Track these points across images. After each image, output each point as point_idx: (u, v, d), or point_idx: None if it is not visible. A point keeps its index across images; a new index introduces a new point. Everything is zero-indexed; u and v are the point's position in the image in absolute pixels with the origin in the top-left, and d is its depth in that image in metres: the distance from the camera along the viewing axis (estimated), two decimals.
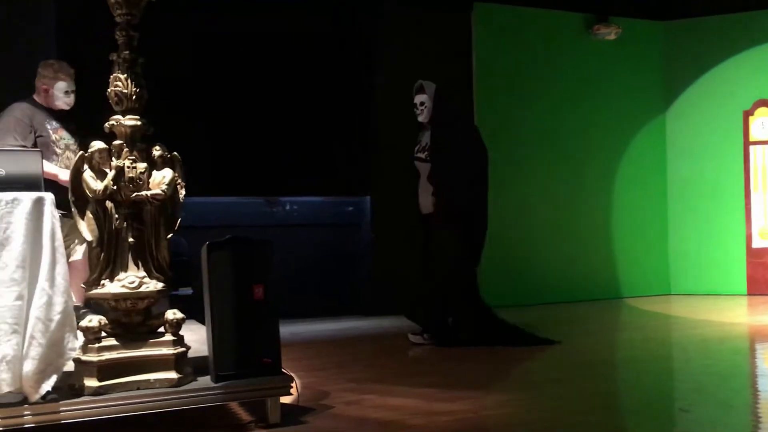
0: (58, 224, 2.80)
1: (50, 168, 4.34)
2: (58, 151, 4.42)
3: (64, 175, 4.36)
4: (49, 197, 2.79)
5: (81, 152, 3.03)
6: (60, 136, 4.47)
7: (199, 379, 3.07)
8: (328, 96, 6.91)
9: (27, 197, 2.74)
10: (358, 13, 7.13)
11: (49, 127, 4.42)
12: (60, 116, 4.56)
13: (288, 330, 4.73)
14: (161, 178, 3.11)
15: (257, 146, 6.50)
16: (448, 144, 5.18)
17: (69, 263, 4.49)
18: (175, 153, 3.18)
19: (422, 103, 5.27)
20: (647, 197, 8.04)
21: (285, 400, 3.19)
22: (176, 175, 3.15)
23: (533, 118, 7.59)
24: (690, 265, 8.00)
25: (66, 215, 4.47)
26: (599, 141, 7.86)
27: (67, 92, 4.50)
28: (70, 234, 4.47)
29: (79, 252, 4.44)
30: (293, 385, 3.18)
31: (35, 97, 4.48)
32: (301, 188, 6.89)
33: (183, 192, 3.19)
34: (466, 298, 5.10)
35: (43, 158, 3.88)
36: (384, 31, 7.13)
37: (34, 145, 4.32)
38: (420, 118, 5.31)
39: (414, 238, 7.00)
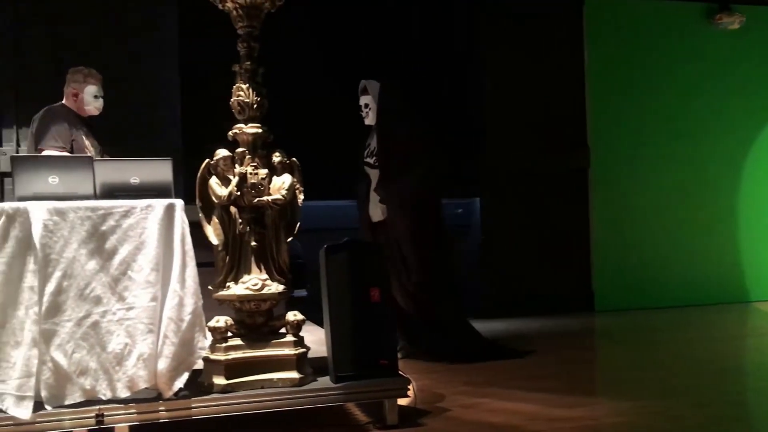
0: (187, 229, 2.94)
1: None
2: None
3: None
4: (179, 203, 2.94)
5: (207, 160, 3.17)
6: (90, 142, 4.64)
7: (318, 379, 3.15)
8: (436, 97, 6.91)
9: (159, 204, 2.90)
10: (463, 10, 7.07)
11: (81, 132, 4.61)
12: (89, 123, 4.68)
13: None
14: (281, 183, 3.21)
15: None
16: (393, 150, 4.67)
17: None
18: (294, 158, 3.27)
19: (366, 105, 4.78)
20: None
21: (402, 402, 3.21)
22: (295, 180, 3.24)
23: (650, 114, 7.28)
24: None
25: None
26: (722, 136, 7.44)
27: (96, 96, 4.59)
28: None
29: None
30: (410, 387, 3.20)
31: (65, 102, 4.62)
32: None
33: (302, 196, 3.28)
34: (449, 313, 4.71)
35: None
36: (491, 30, 7.05)
37: (71, 149, 4.45)
38: (366, 121, 4.84)
39: (525, 240, 6.95)
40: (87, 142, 4.53)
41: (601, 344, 5.79)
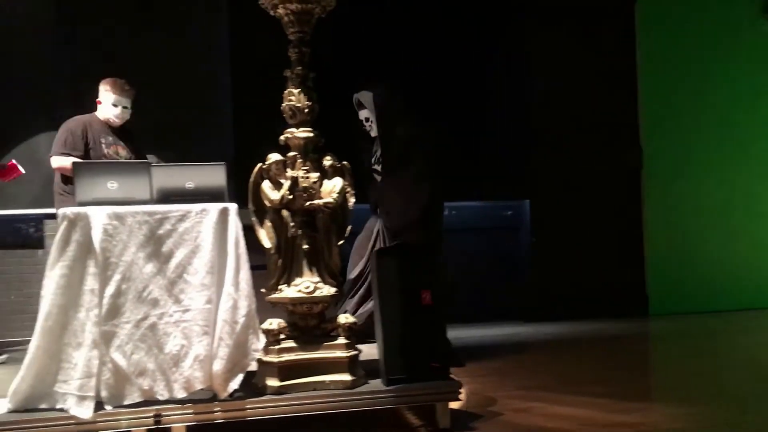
0: (241, 232, 2.98)
1: None
2: None
3: None
4: (233, 207, 2.99)
5: (259, 164, 3.21)
6: (115, 151, 4.67)
7: (370, 382, 3.15)
8: (484, 99, 6.87)
9: (214, 208, 2.95)
10: (511, 7, 7.01)
11: (103, 141, 4.61)
12: (121, 134, 4.71)
13: (449, 335, 4.74)
14: (332, 187, 3.23)
15: None
16: (395, 150, 4.51)
17: None
18: (345, 162, 3.29)
19: (367, 119, 4.58)
20: None
21: (453, 405, 3.20)
22: (346, 183, 3.26)
23: (704, 113, 7.11)
24: None
25: None
26: None
27: (115, 105, 4.63)
28: None
29: None
30: (462, 390, 3.18)
31: (96, 113, 4.68)
32: (459, 193, 6.89)
33: (352, 200, 3.30)
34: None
35: None
36: (539, 27, 6.98)
37: (86, 155, 4.52)
38: (372, 134, 4.62)
39: (576, 242, 6.84)
40: (109, 151, 4.62)
41: (656, 348, 5.67)
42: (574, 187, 6.87)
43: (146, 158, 4.80)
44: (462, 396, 3.22)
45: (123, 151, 4.71)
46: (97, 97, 4.69)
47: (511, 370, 4.40)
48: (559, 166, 6.90)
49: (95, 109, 4.61)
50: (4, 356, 4.39)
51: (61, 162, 4.49)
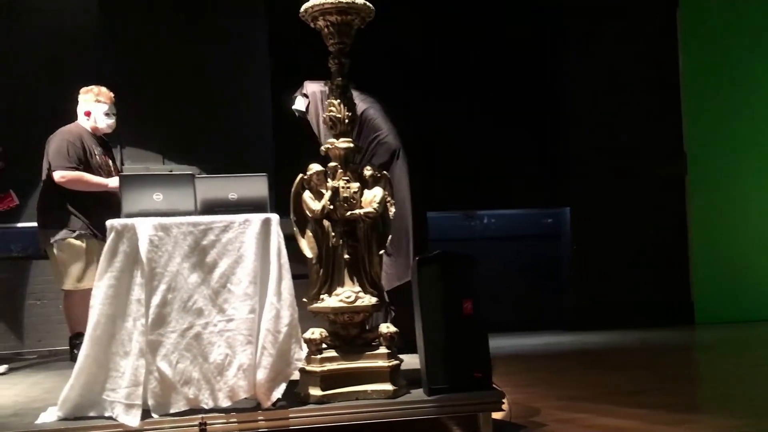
0: (283, 242, 3.01)
1: (99, 179, 4.64)
2: (104, 175, 4.69)
3: (113, 183, 4.68)
4: (275, 218, 3.02)
5: (300, 175, 3.24)
6: (104, 161, 4.74)
7: (412, 391, 3.15)
8: (523, 105, 6.83)
9: (257, 218, 2.99)
10: (549, 10, 6.96)
11: (96, 152, 4.70)
12: (104, 144, 4.81)
13: (490, 344, 4.71)
14: (372, 197, 3.24)
15: (455, 161, 6.56)
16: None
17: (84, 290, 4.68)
18: (385, 172, 3.30)
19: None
20: None
21: (496, 415, 3.17)
22: (386, 193, 3.27)
23: (750, 116, 6.97)
24: None
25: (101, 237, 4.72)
26: None
27: (107, 114, 4.73)
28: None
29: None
30: (505, 400, 3.15)
31: (78, 122, 4.73)
32: (498, 201, 6.86)
33: (392, 210, 3.30)
34: None
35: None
36: (578, 30, 6.92)
37: (86, 167, 4.60)
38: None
39: (618, 249, 6.74)
40: (101, 161, 4.69)
41: (702, 358, 5.54)
42: (616, 194, 6.79)
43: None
44: (505, 406, 3.19)
45: (110, 161, 4.81)
46: (77, 106, 4.75)
47: (554, 380, 4.35)
48: (600, 172, 6.82)
49: (74, 120, 4.67)
50: (4, 367, 4.43)
51: (69, 175, 4.55)
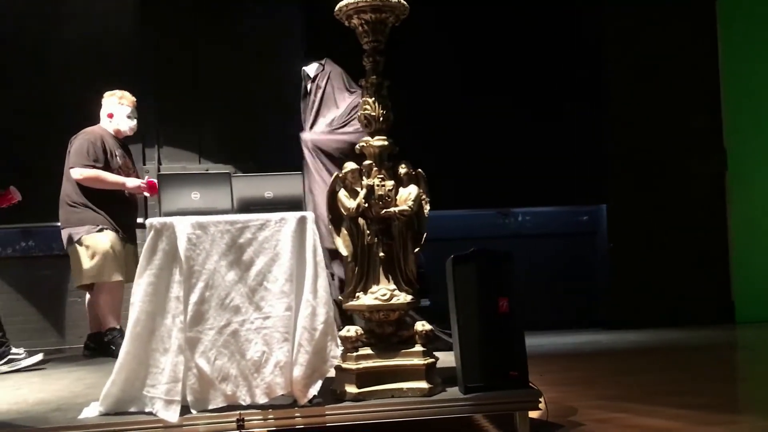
0: (318, 240, 3.03)
1: (116, 178, 4.73)
2: (122, 175, 4.80)
3: (131, 183, 4.75)
4: (310, 216, 3.04)
5: (336, 173, 3.25)
6: (125, 163, 4.83)
7: (447, 389, 3.14)
8: (558, 100, 6.77)
9: (292, 216, 3.01)
10: (589, 7, 6.88)
11: (117, 153, 4.80)
12: (123, 146, 4.91)
13: (526, 342, 4.69)
14: (407, 195, 3.24)
15: (489, 158, 6.53)
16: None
17: (104, 284, 4.84)
18: (420, 170, 3.30)
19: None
20: None
21: (533, 414, 3.14)
22: (421, 191, 3.27)
23: None
24: None
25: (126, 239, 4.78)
26: None
27: (129, 117, 4.84)
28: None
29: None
30: (542, 399, 3.13)
31: (102, 125, 4.83)
32: (533, 198, 6.81)
33: (428, 207, 3.30)
34: None
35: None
36: (616, 25, 6.83)
37: (105, 167, 4.69)
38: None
39: (656, 247, 6.64)
40: (121, 162, 4.80)
41: (743, 358, 5.44)
42: (653, 191, 6.70)
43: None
44: (542, 405, 3.17)
45: (130, 162, 4.90)
46: (101, 109, 4.89)
47: (591, 379, 4.30)
48: (636, 169, 6.73)
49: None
50: (39, 356, 4.54)
51: (87, 173, 4.67)
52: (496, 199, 6.73)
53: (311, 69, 4.84)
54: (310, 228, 3.02)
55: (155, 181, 4.82)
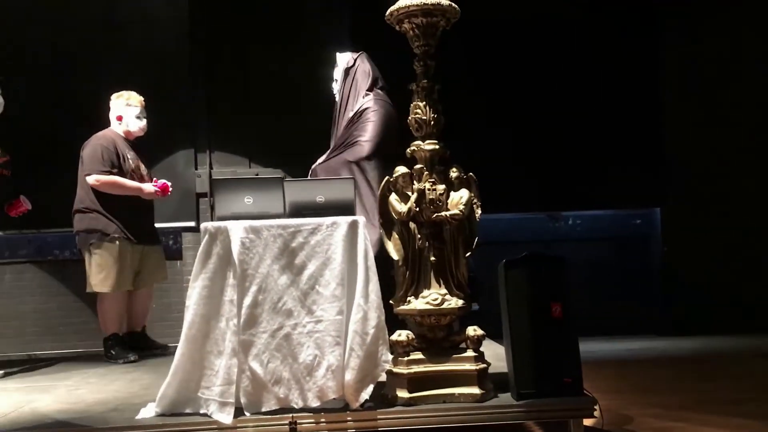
0: (369, 245, 3.03)
1: (134, 184, 4.74)
2: (136, 179, 4.79)
3: (147, 188, 4.74)
4: (361, 220, 3.05)
5: (387, 177, 3.25)
6: (137, 165, 4.82)
7: (499, 395, 3.11)
8: (611, 101, 6.64)
9: (344, 221, 3.02)
10: (647, 5, 6.74)
11: (129, 156, 4.79)
12: (136, 147, 4.89)
13: (580, 348, 4.61)
14: (459, 199, 3.22)
15: (539, 160, 6.45)
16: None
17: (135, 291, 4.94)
18: (471, 174, 3.27)
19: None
20: None
21: (587, 422, 3.09)
22: (472, 195, 3.24)
23: None
24: None
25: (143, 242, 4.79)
26: None
27: (138, 117, 4.83)
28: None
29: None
30: (596, 407, 3.07)
31: (113, 128, 4.83)
32: (585, 201, 6.69)
33: (479, 211, 3.27)
34: None
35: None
36: (676, 26, 6.68)
37: (119, 171, 4.70)
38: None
39: (713, 251, 6.46)
40: (134, 165, 4.80)
41: None
42: (711, 193, 6.51)
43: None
44: (597, 413, 3.11)
45: (141, 165, 4.92)
46: (109, 113, 4.90)
47: (647, 386, 4.20)
48: (692, 171, 6.57)
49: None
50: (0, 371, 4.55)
51: (103, 179, 4.69)
52: (547, 202, 6.64)
53: (343, 59, 4.77)
54: (362, 232, 3.02)
55: (167, 183, 4.91)
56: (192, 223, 6.14)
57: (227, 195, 3.10)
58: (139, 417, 2.95)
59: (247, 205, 3.09)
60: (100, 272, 4.76)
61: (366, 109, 4.52)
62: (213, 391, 2.89)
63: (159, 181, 4.92)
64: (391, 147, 4.48)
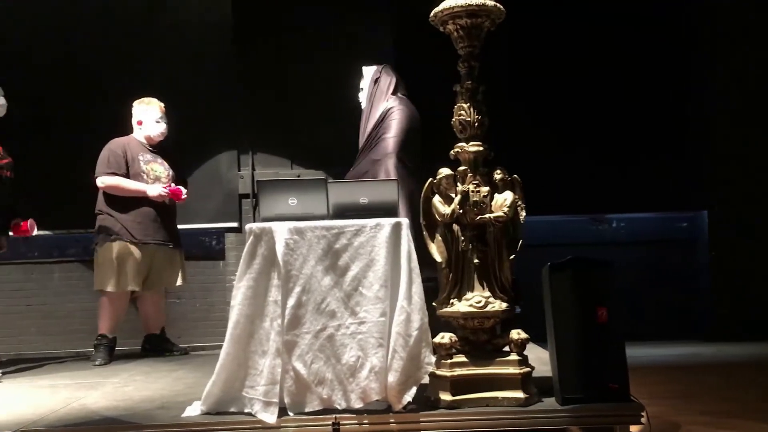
0: (413, 246, 3.03)
1: (137, 185, 4.82)
2: (149, 181, 4.87)
3: (151, 190, 4.77)
4: (405, 222, 3.04)
5: (430, 179, 3.24)
6: (152, 168, 4.89)
7: (543, 400, 3.07)
8: (658, 100, 6.51)
9: (387, 222, 3.02)
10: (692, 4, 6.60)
11: (141, 159, 4.88)
12: (158, 150, 4.98)
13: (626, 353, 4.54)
14: (503, 201, 3.19)
15: (583, 162, 6.36)
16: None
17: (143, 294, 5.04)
18: (516, 176, 3.25)
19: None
20: None
21: (634, 429, 3.03)
22: (517, 197, 3.21)
23: None
24: None
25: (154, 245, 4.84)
26: None
27: (158, 121, 4.94)
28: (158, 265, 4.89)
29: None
30: (643, 413, 3.01)
31: (134, 134, 4.96)
32: (629, 204, 6.58)
33: (523, 213, 3.24)
34: None
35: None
36: (723, 26, 6.53)
37: (126, 174, 4.81)
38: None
39: (763, 255, 6.29)
40: (146, 168, 4.91)
41: None
42: (758, 197, 6.34)
43: (182, 172, 5.23)
44: (644, 419, 3.05)
45: (160, 167, 5.01)
46: (132, 119, 5.03)
47: (694, 393, 4.11)
48: (739, 173, 6.41)
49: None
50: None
51: (108, 181, 4.85)
52: (590, 204, 6.54)
53: (369, 72, 4.89)
54: (405, 234, 3.02)
55: (181, 188, 4.99)
56: (235, 224, 6.20)
57: (272, 196, 3.13)
58: (184, 415, 3.00)
59: (292, 206, 3.11)
60: (100, 271, 4.93)
61: (390, 108, 4.63)
62: (257, 391, 2.92)
63: (173, 185, 5.03)
64: (415, 146, 4.59)
